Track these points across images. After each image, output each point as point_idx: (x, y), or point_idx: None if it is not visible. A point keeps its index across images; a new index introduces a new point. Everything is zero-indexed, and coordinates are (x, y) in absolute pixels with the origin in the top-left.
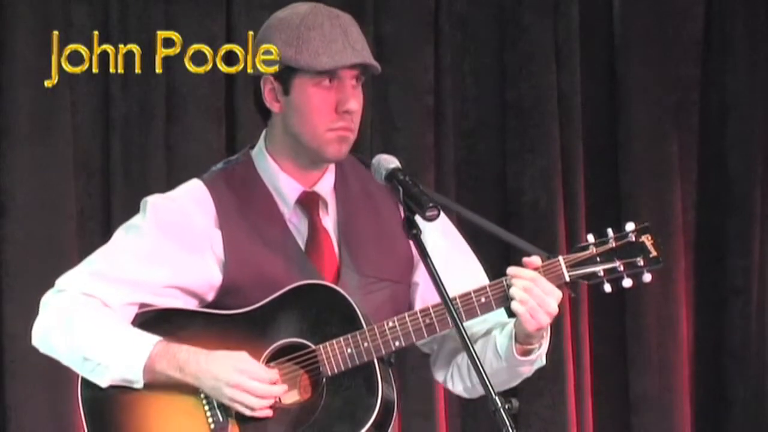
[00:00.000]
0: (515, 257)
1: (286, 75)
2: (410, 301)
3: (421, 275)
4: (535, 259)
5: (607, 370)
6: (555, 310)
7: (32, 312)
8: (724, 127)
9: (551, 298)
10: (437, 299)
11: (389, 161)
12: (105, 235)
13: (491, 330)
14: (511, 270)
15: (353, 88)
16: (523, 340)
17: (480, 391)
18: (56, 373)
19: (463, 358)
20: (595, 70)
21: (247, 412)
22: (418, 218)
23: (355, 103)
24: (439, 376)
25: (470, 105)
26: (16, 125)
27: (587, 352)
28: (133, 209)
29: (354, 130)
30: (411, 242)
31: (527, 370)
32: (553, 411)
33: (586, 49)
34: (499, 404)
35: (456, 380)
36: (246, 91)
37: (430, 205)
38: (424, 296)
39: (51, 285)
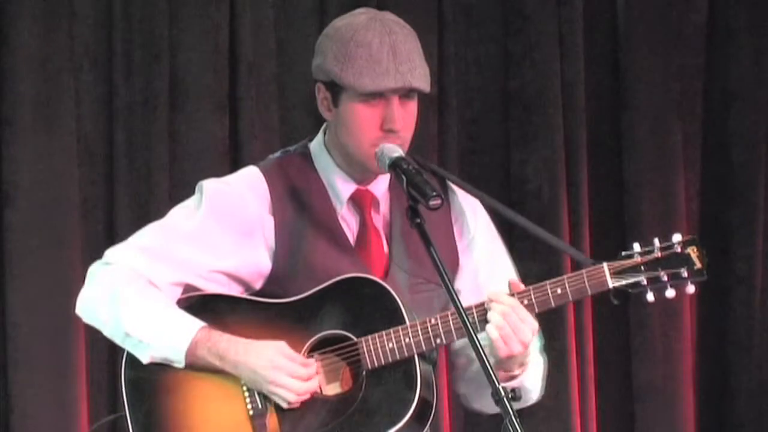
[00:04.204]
0: (540, 250)
1: (335, 89)
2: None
3: (462, 283)
4: (518, 283)
5: (611, 360)
6: (529, 339)
7: (36, 300)
8: (727, 116)
9: (527, 327)
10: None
11: (393, 150)
12: (108, 224)
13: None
14: (491, 294)
15: (400, 106)
16: (497, 365)
17: (477, 409)
18: (59, 361)
19: (466, 373)
20: (599, 58)
21: (284, 405)
22: (421, 207)
23: (399, 122)
24: (454, 385)
25: (474, 94)
26: (20, 114)
27: (590, 341)
28: (136, 198)
29: (402, 144)
30: (416, 231)
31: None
32: (557, 400)
33: (590, 38)
34: (503, 393)
35: (461, 390)
36: (249, 80)
37: (434, 194)
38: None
39: (55, 274)
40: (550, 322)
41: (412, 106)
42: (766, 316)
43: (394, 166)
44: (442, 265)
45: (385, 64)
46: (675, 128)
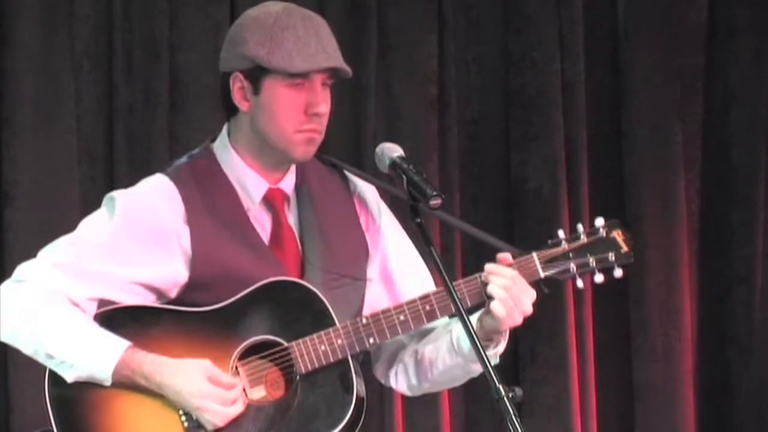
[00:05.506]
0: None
1: (256, 74)
2: (366, 299)
3: (373, 272)
4: (508, 255)
5: (611, 359)
6: (530, 309)
7: None
8: (728, 116)
9: (527, 297)
10: (387, 296)
11: (393, 149)
12: None
13: (448, 325)
14: (490, 267)
15: (322, 91)
16: (488, 334)
17: (423, 389)
18: None
19: (410, 357)
20: (599, 58)
21: (210, 428)
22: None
23: (324, 106)
24: (378, 373)
25: (474, 93)
26: (20, 114)
27: (591, 340)
28: None
29: (321, 132)
30: (415, 230)
31: (478, 368)
32: (557, 399)
33: (590, 38)
34: (503, 392)
35: (400, 378)
36: None
37: (434, 193)
38: (374, 293)
39: None
40: (551, 321)
41: (329, 94)
42: (766, 316)
43: (394, 165)
44: (441, 264)
45: (314, 46)
46: (675, 128)
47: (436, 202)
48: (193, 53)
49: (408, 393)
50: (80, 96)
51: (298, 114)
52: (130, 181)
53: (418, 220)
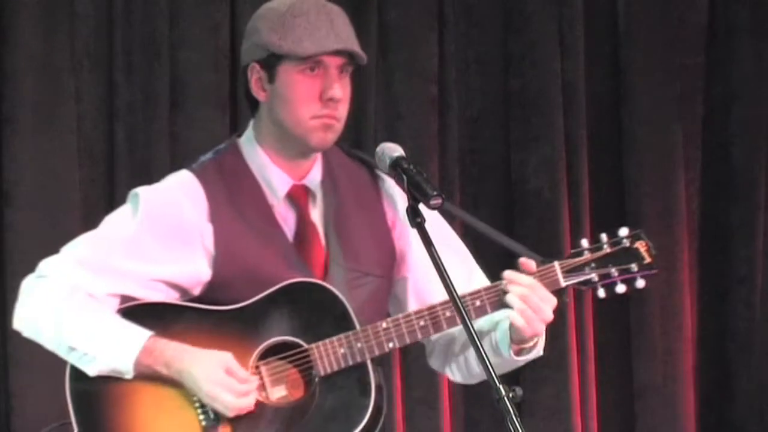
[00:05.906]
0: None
1: (271, 63)
2: (403, 297)
3: (410, 270)
4: (531, 262)
5: (611, 359)
6: (550, 317)
7: None
8: (728, 116)
9: (547, 305)
10: (431, 293)
11: (393, 149)
12: None
13: (482, 326)
14: (508, 275)
15: (338, 77)
16: (518, 341)
17: (478, 379)
18: (59, 360)
19: (460, 350)
20: (600, 58)
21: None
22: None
23: (339, 91)
24: (434, 364)
25: (474, 93)
26: (20, 114)
27: (591, 340)
28: None
29: (339, 118)
30: (416, 231)
31: (523, 361)
32: (557, 400)
33: (591, 37)
34: (503, 393)
35: (454, 370)
36: None
37: (435, 193)
38: (418, 290)
39: None
40: (552, 321)
41: (348, 81)
42: (766, 316)
43: (395, 165)
44: (442, 265)
45: (324, 31)
46: (675, 127)
47: (436, 201)
48: (193, 53)
49: (463, 382)
50: (80, 96)
51: (313, 100)
52: (130, 181)
53: (418, 220)
